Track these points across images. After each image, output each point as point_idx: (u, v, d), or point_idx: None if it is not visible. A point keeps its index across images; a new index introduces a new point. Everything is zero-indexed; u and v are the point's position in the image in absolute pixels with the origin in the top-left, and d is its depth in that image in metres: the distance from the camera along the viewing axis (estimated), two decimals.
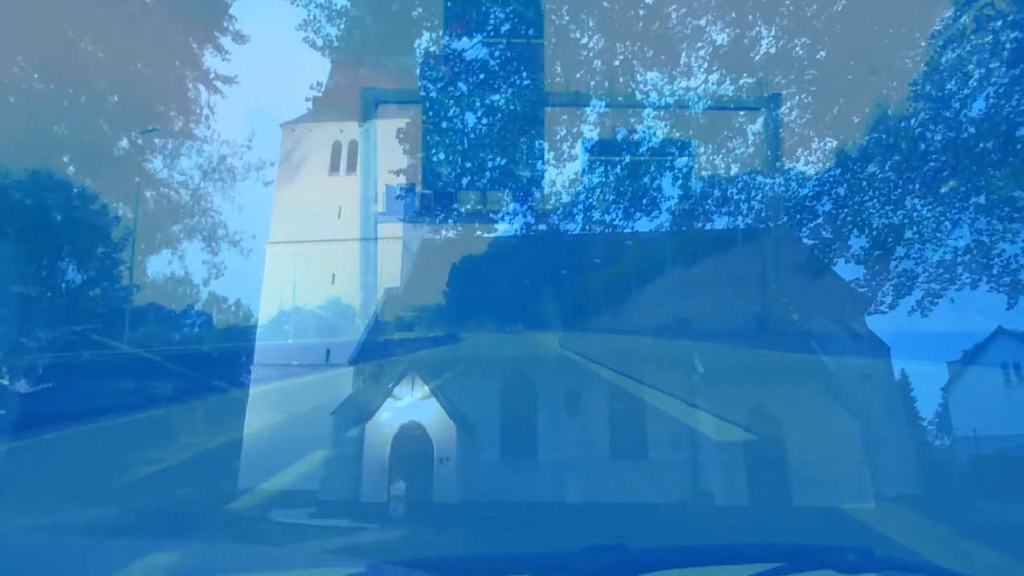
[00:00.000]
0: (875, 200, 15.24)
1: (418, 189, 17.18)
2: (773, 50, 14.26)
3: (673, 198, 17.51)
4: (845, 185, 15.61)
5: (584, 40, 15.30)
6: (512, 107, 15.84)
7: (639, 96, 15.85)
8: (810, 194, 16.05)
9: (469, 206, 16.55)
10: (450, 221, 17.02)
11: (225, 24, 23.27)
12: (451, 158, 16.56)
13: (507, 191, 16.64)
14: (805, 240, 18.03)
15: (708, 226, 19.82)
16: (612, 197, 17.33)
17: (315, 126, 29.38)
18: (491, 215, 16.59)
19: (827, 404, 19.12)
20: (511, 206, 16.84)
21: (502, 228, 18.79)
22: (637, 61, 15.32)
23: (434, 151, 16.62)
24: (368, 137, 20.98)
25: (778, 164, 15.43)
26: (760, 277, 19.06)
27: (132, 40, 20.92)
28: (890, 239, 15.52)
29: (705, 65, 15.27)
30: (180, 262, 33.62)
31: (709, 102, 15.73)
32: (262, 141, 68.73)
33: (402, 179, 17.40)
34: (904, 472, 19.32)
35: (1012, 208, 13.71)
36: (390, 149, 22.00)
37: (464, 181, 16.63)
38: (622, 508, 18.33)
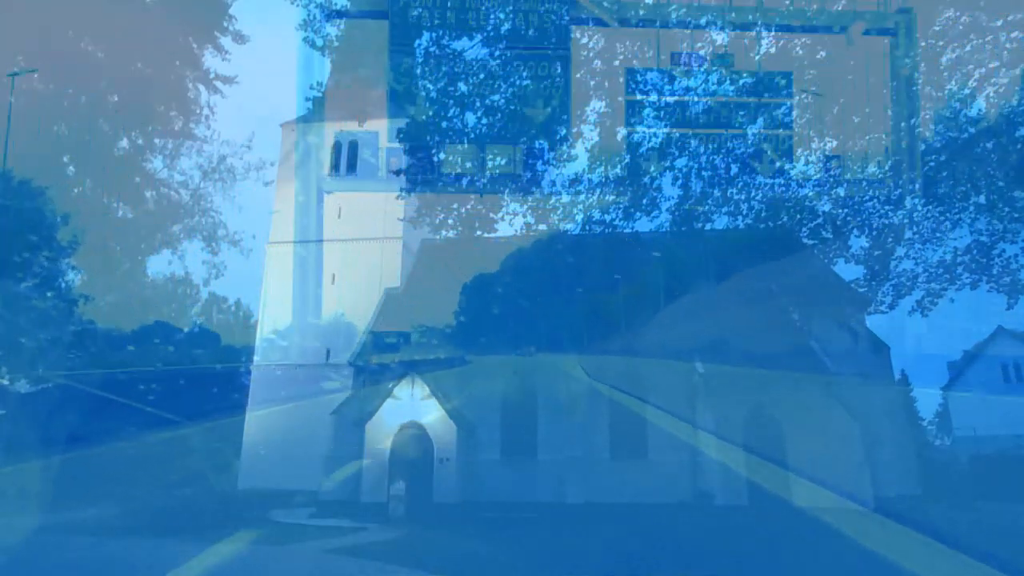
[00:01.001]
0: (875, 200, 15.23)
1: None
2: (773, 50, 14.24)
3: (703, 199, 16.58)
4: (845, 185, 15.58)
5: (584, 40, 15.25)
6: (512, 107, 15.78)
7: (639, 96, 15.78)
8: (811, 194, 16.02)
9: (469, 206, 16.48)
10: (449, 221, 16.83)
11: (225, 24, 23.26)
12: (451, 158, 16.50)
13: (507, 192, 16.57)
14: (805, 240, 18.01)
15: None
16: (616, 200, 17.07)
17: (315, 126, 29.39)
18: (491, 215, 16.48)
19: (827, 404, 19.13)
20: (511, 206, 16.74)
21: (505, 233, 18.49)
22: (637, 61, 15.28)
23: (433, 150, 16.55)
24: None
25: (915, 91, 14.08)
26: (768, 278, 18.93)
27: (132, 40, 20.91)
28: (890, 239, 15.51)
29: (705, 65, 15.21)
30: (180, 262, 33.52)
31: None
32: (262, 141, 68.62)
33: (402, 179, 17.29)
34: (904, 472, 19.33)
35: (1012, 208, 13.72)
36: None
37: (464, 181, 16.56)
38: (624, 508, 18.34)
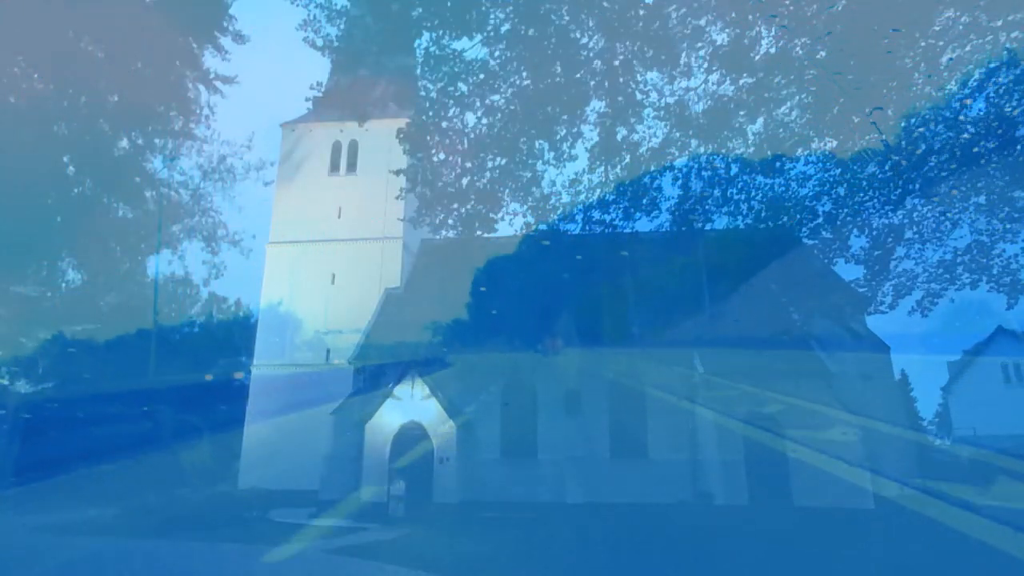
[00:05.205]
0: (875, 200, 15.20)
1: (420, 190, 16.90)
2: (773, 50, 14.19)
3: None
4: (845, 185, 15.56)
5: (584, 40, 15.21)
6: (512, 107, 15.75)
7: (639, 96, 15.75)
8: (811, 194, 16.00)
9: (469, 206, 16.41)
10: (449, 221, 16.71)
11: (225, 24, 23.18)
12: (451, 158, 16.49)
13: (507, 191, 16.51)
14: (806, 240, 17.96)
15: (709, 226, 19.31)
16: (616, 200, 16.93)
17: (315, 126, 29.42)
18: (491, 215, 16.39)
19: (827, 404, 19.14)
20: (511, 206, 16.66)
21: (505, 233, 18.33)
22: (637, 61, 15.23)
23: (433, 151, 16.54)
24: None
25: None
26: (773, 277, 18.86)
27: (132, 40, 20.88)
28: (890, 239, 15.47)
29: (705, 65, 15.20)
30: (180, 262, 33.49)
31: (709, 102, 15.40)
32: (262, 141, 68.68)
33: (402, 179, 17.28)
34: (904, 472, 19.34)
35: (1012, 208, 13.69)
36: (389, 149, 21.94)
37: (464, 181, 16.53)
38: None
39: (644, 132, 16.13)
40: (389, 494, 18.99)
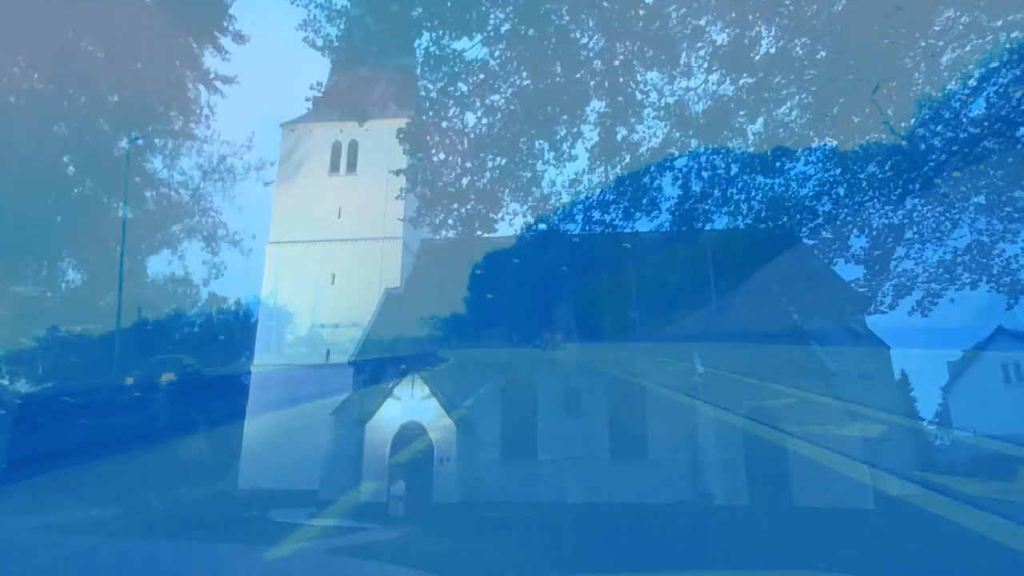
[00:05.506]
0: (875, 200, 15.21)
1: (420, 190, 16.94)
2: (773, 50, 14.21)
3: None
4: (845, 185, 15.58)
5: (584, 40, 15.23)
6: (512, 107, 15.77)
7: (639, 96, 15.77)
8: (811, 194, 16.03)
9: (469, 206, 16.44)
10: (449, 221, 16.74)
11: (225, 24, 23.19)
12: (451, 158, 16.50)
13: (507, 191, 16.53)
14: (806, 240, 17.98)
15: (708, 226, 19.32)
16: (616, 200, 16.92)
17: (315, 126, 29.41)
18: (491, 215, 16.42)
19: (827, 403, 19.15)
20: (511, 206, 16.69)
21: (505, 233, 18.32)
22: (637, 61, 15.26)
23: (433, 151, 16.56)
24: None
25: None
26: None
27: (132, 40, 20.90)
28: (890, 239, 15.49)
29: (705, 65, 15.22)
30: (180, 262, 33.48)
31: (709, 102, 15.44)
32: (262, 141, 68.75)
33: (402, 179, 17.29)
34: (904, 472, 19.34)
35: (1012, 208, 13.70)
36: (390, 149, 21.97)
37: (464, 181, 16.56)
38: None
39: (644, 132, 16.17)
40: (389, 494, 18.98)
